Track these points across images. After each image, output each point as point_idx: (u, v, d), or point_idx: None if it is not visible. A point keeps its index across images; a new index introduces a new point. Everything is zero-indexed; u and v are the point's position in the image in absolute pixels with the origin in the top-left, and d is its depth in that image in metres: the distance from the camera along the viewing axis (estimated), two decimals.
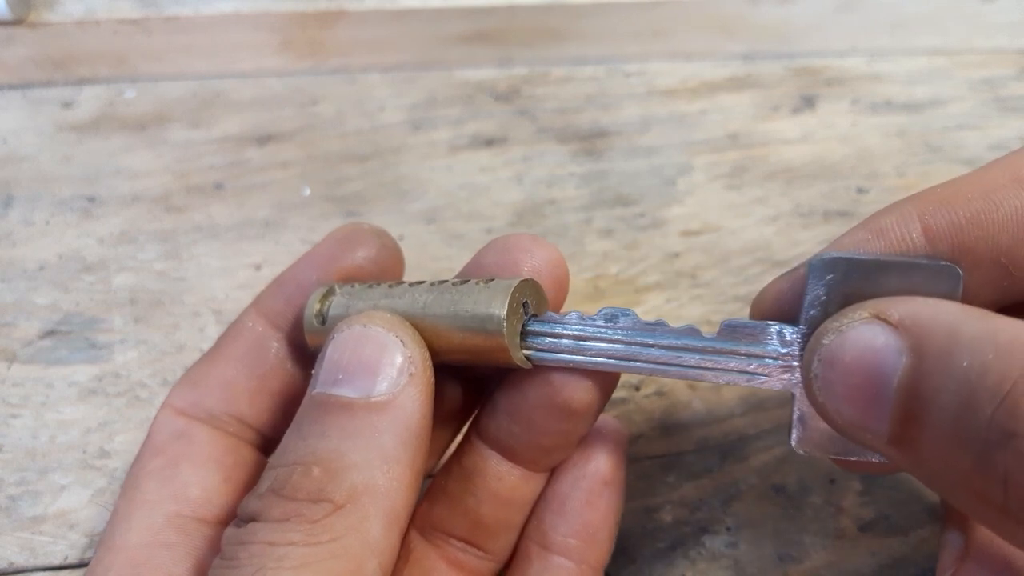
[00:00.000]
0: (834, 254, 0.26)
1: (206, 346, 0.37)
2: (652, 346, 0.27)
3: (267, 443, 0.32)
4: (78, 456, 0.39)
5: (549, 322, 0.28)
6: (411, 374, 0.26)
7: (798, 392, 0.27)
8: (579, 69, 0.59)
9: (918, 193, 0.27)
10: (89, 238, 0.47)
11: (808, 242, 0.47)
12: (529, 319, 0.28)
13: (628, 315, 0.27)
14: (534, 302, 0.28)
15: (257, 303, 0.32)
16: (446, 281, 0.28)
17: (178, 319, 0.44)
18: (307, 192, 0.50)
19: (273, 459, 0.26)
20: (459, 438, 0.32)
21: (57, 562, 0.36)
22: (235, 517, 0.26)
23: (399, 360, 0.26)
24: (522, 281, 0.27)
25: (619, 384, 0.40)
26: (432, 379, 0.27)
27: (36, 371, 0.42)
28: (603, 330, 0.27)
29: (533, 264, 0.29)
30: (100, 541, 0.29)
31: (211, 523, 0.29)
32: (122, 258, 0.47)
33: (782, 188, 0.50)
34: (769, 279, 0.30)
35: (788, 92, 0.57)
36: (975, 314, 0.21)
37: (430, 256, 0.47)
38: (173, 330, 0.43)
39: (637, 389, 0.41)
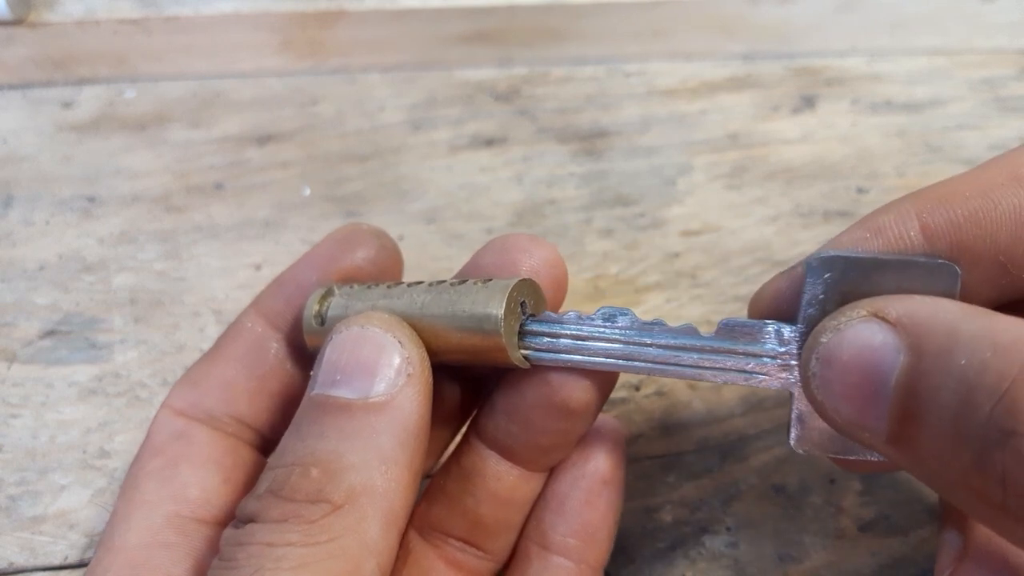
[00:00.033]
0: (832, 252, 0.26)
1: (206, 346, 0.37)
2: (650, 345, 0.27)
3: (266, 443, 0.32)
4: (78, 456, 0.39)
5: (547, 322, 0.28)
6: (409, 374, 0.26)
7: (796, 391, 0.27)
8: (579, 69, 0.59)
9: (916, 191, 0.27)
10: (89, 238, 0.47)
11: (808, 242, 0.47)
12: (527, 319, 0.28)
13: (626, 315, 0.27)
14: (532, 302, 0.28)
15: (256, 303, 0.32)
16: (444, 281, 0.28)
17: (178, 319, 0.44)
18: (307, 192, 0.50)
19: (272, 460, 0.26)
20: (458, 438, 0.32)
21: (57, 562, 0.36)
22: (234, 518, 0.26)
23: (397, 361, 0.26)
24: (520, 281, 0.27)
25: (619, 384, 0.40)
26: (430, 379, 0.27)
27: (36, 371, 0.42)
28: (601, 330, 0.27)
29: (531, 264, 0.29)
30: (99, 541, 0.29)
31: (210, 524, 0.29)
32: (122, 258, 0.47)
33: (782, 188, 0.50)
34: (769, 279, 0.30)
35: (788, 92, 0.57)
36: (973, 312, 0.21)
37: (430, 256, 0.47)
38: (173, 330, 0.43)
39: (637, 389, 0.41)
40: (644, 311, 0.44)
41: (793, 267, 0.29)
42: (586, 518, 0.31)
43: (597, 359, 0.27)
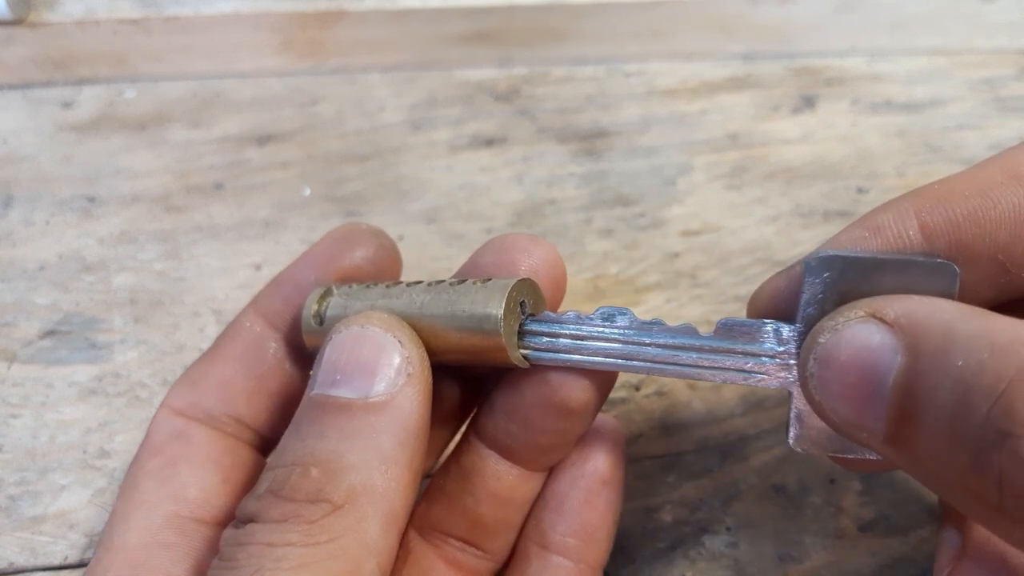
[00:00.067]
0: (830, 252, 0.26)
1: (206, 346, 0.37)
2: (649, 345, 0.27)
3: (265, 443, 0.32)
4: (78, 456, 0.39)
5: (546, 321, 0.28)
6: (409, 374, 0.26)
7: (795, 390, 0.27)
8: (579, 69, 0.59)
9: (915, 190, 0.27)
10: (89, 238, 0.47)
11: (808, 242, 0.47)
12: (526, 319, 0.28)
13: (625, 314, 0.27)
14: (531, 301, 0.28)
15: (255, 303, 0.32)
16: (443, 281, 0.28)
17: (178, 319, 0.44)
18: (307, 192, 0.50)
19: (271, 460, 0.26)
20: (457, 438, 0.32)
21: (57, 562, 0.36)
22: (233, 518, 0.26)
23: (397, 360, 0.26)
24: (519, 280, 0.27)
25: (619, 384, 0.40)
26: (430, 379, 0.27)
27: (36, 371, 0.42)
28: (600, 329, 0.27)
29: (530, 264, 0.29)
30: (99, 541, 0.29)
31: (210, 524, 0.29)
32: (122, 258, 0.47)
33: (782, 188, 0.50)
34: (767, 278, 0.30)
35: (788, 92, 0.57)
36: (971, 313, 0.21)
37: (430, 256, 0.47)
38: (173, 330, 0.44)
39: (637, 389, 0.41)
40: (644, 311, 0.44)
41: (792, 266, 0.29)
42: (585, 518, 0.31)
43: (596, 359, 0.27)
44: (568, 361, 0.28)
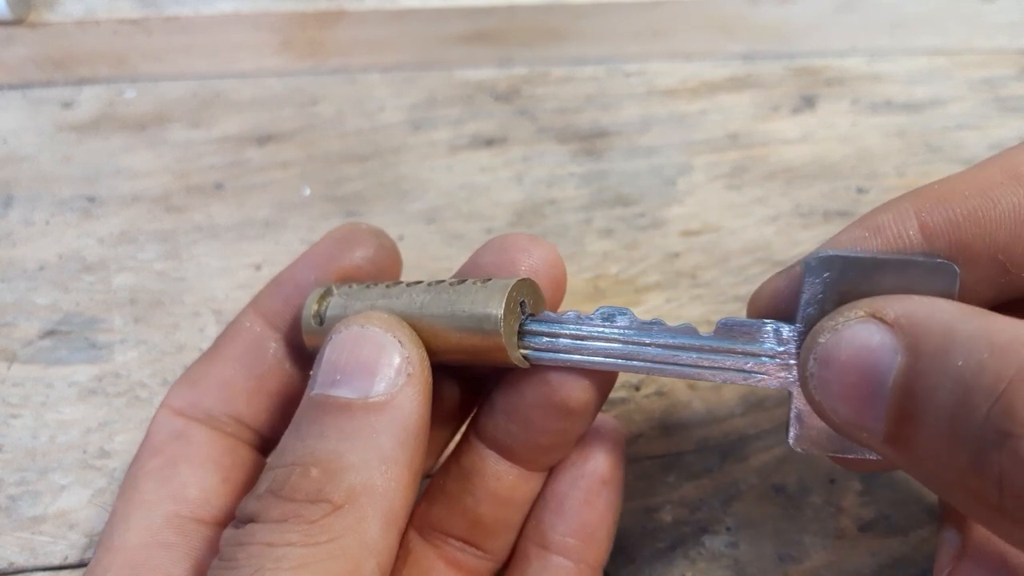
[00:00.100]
0: (830, 252, 0.26)
1: (206, 346, 0.37)
2: (649, 345, 0.27)
3: (265, 443, 0.32)
4: (78, 456, 0.39)
5: (546, 321, 0.28)
6: (409, 374, 0.26)
7: (795, 390, 0.27)
8: (579, 69, 0.59)
9: (915, 190, 0.27)
10: (89, 238, 0.47)
11: (808, 242, 0.47)
12: (526, 318, 0.28)
13: (625, 314, 0.27)
14: (531, 301, 0.28)
15: (255, 303, 0.32)
16: (443, 281, 0.28)
17: (178, 319, 0.44)
18: (307, 192, 0.50)
19: (271, 460, 0.26)
20: (457, 438, 0.32)
21: (57, 562, 0.36)
22: (233, 518, 0.26)
23: (397, 360, 0.26)
24: (519, 280, 0.27)
25: (619, 384, 0.41)
26: (430, 379, 0.27)
27: (36, 371, 0.42)
28: (600, 329, 0.27)
29: (530, 264, 0.29)
30: (99, 541, 0.29)
31: (209, 524, 0.29)
32: (122, 258, 0.47)
33: (782, 188, 0.50)
34: (767, 278, 0.30)
35: (788, 92, 0.57)
36: (971, 313, 0.21)
37: (430, 256, 0.47)
38: (173, 330, 0.44)
39: (637, 389, 0.41)
40: (644, 311, 0.44)
41: (792, 266, 0.29)
42: (585, 518, 0.31)
43: (596, 359, 0.27)
44: (568, 361, 0.28)
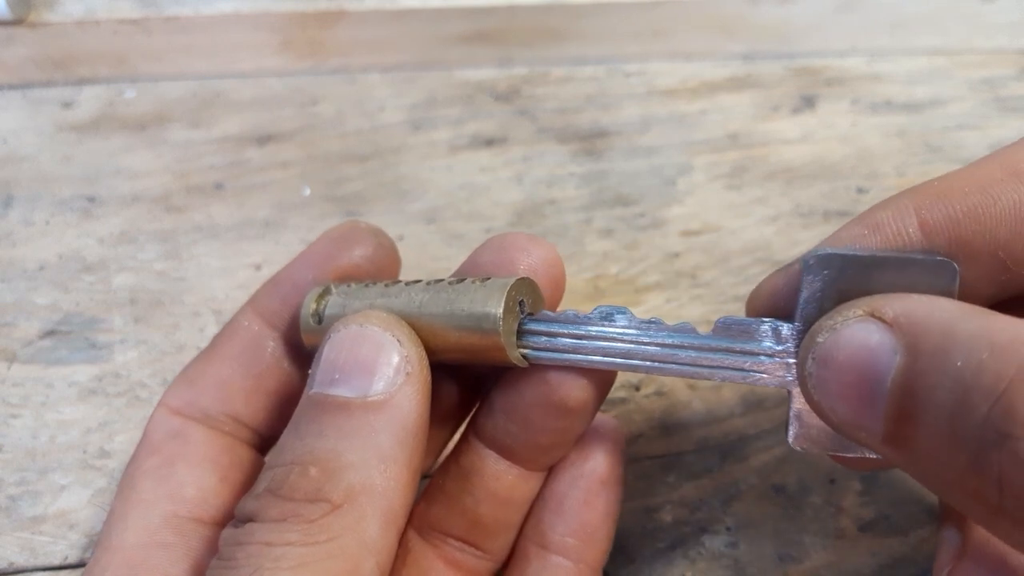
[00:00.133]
0: (829, 250, 0.26)
1: (205, 346, 0.37)
2: (648, 344, 0.27)
3: (263, 442, 0.32)
4: (78, 456, 0.39)
5: (545, 321, 0.28)
6: (408, 373, 0.26)
7: (795, 389, 0.26)
8: (579, 69, 0.59)
9: (914, 187, 0.27)
10: (89, 238, 0.47)
11: (808, 242, 0.47)
12: (525, 318, 0.28)
13: (624, 313, 0.27)
14: (530, 301, 0.28)
15: (253, 302, 0.32)
16: (442, 280, 0.28)
17: (178, 319, 0.44)
18: (307, 192, 0.50)
19: (270, 459, 0.26)
20: (456, 437, 0.32)
21: (57, 562, 0.36)
22: (232, 517, 0.26)
23: (395, 359, 0.26)
24: (518, 280, 0.27)
25: (619, 384, 0.40)
26: (429, 378, 0.27)
27: (36, 371, 0.42)
28: (599, 329, 0.27)
29: (529, 263, 0.29)
30: (97, 541, 0.29)
31: (208, 523, 0.29)
32: (122, 258, 0.47)
33: (782, 188, 0.50)
34: (766, 276, 0.30)
35: (788, 92, 0.57)
36: (971, 312, 0.21)
37: (430, 256, 0.47)
38: (173, 330, 0.44)
39: (637, 389, 0.41)
40: (644, 311, 0.44)
41: (790, 264, 0.29)
42: (585, 518, 0.31)
43: (595, 358, 0.27)
44: (567, 360, 0.27)
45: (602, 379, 0.28)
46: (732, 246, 0.47)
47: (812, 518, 0.37)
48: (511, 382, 0.29)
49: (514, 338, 0.27)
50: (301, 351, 0.32)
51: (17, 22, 0.60)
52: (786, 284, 0.28)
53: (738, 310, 0.44)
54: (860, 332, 0.23)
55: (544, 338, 0.28)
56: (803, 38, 0.61)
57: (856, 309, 0.23)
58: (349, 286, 0.30)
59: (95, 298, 0.45)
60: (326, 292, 0.30)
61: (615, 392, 0.40)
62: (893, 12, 0.63)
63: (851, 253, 0.26)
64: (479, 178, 0.51)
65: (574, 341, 0.27)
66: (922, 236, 0.26)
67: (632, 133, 0.54)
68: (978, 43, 0.61)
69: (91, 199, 0.49)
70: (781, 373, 0.26)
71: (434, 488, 0.31)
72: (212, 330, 0.43)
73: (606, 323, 0.27)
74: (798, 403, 0.27)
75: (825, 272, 0.26)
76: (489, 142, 0.53)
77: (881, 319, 0.23)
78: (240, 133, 0.53)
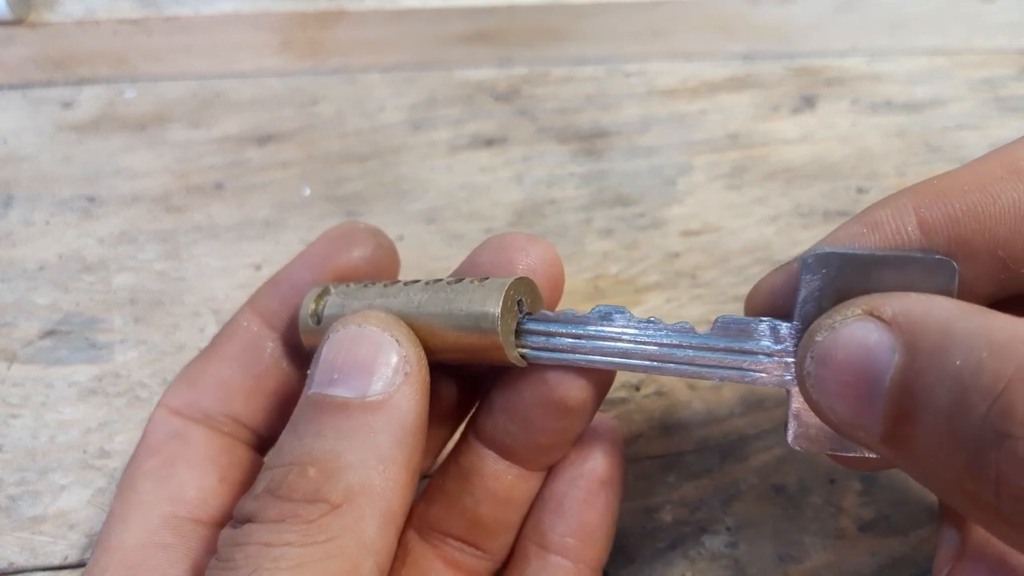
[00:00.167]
0: (827, 249, 0.26)
1: (205, 346, 0.37)
2: (646, 344, 0.27)
3: (262, 443, 0.32)
4: (78, 456, 0.39)
5: (544, 320, 0.28)
6: (406, 373, 0.26)
7: (794, 388, 0.26)
8: (579, 69, 0.59)
9: (914, 186, 0.27)
10: (89, 238, 0.48)
11: (808, 242, 0.47)
12: (524, 317, 0.28)
13: (622, 313, 0.27)
14: (529, 300, 0.28)
15: (252, 302, 0.32)
16: (441, 280, 0.28)
17: (178, 319, 0.44)
18: (307, 192, 0.50)
19: (269, 459, 0.26)
20: (455, 437, 0.32)
21: (57, 562, 0.36)
22: (231, 518, 0.26)
23: (394, 360, 0.26)
24: (517, 279, 0.27)
25: (619, 384, 0.40)
26: (427, 378, 0.27)
27: (36, 371, 0.42)
28: (597, 328, 0.27)
29: (528, 262, 0.29)
30: (96, 542, 0.29)
31: (207, 524, 0.29)
32: (122, 258, 0.47)
33: (782, 188, 0.50)
34: (765, 275, 0.30)
35: (788, 92, 0.57)
36: (970, 311, 0.21)
37: (430, 256, 0.47)
38: (173, 330, 0.44)
39: (637, 389, 0.41)
40: (644, 311, 0.44)
41: (789, 263, 0.29)
42: (584, 518, 0.31)
43: (594, 357, 0.27)
44: (566, 360, 0.27)
45: (601, 379, 0.28)
46: (732, 246, 0.47)
47: (812, 518, 0.37)
48: (510, 382, 0.29)
49: (513, 338, 0.27)
50: (300, 351, 0.32)
51: (17, 22, 0.60)
52: (785, 283, 0.28)
53: (738, 310, 0.44)
54: (859, 331, 0.23)
55: (543, 338, 0.28)
56: (803, 38, 0.61)
57: (855, 308, 0.23)
58: (348, 286, 0.30)
59: (95, 298, 0.45)
60: (325, 292, 0.30)
61: (615, 392, 0.40)
62: (893, 12, 0.63)
63: (850, 252, 0.26)
64: (479, 178, 0.51)
65: (573, 341, 0.27)
66: (921, 235, 0.26)
67: (632, 133, 0.54)
68: (978, 43, 0.61)
69: (91, 199, 0.49)
70: (780, 372, 0.26)
71: (433, 488, 0.31)
72: (212, 330, 0.43)
73: (605, 323, 0.27)
74: (797, 402, 0.27)
75: (824, 271, 0.26)
76: (489, 142, 0.53)
77: (880, 318, 0.22)
78: (240, 133, 0.53)
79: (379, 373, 0.26)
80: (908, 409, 0.21)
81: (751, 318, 0.26)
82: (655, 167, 0.52)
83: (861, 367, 0.22)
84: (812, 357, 0.24)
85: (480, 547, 0.31)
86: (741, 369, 0.27)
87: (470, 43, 0.60)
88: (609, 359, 0.27)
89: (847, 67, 0.59)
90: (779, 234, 0.48)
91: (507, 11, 0.62)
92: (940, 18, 0.63)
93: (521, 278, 0.28)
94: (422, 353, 0.27)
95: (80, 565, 0.36)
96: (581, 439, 0.31)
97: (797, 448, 0.27)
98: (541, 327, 0.28)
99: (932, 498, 0.37)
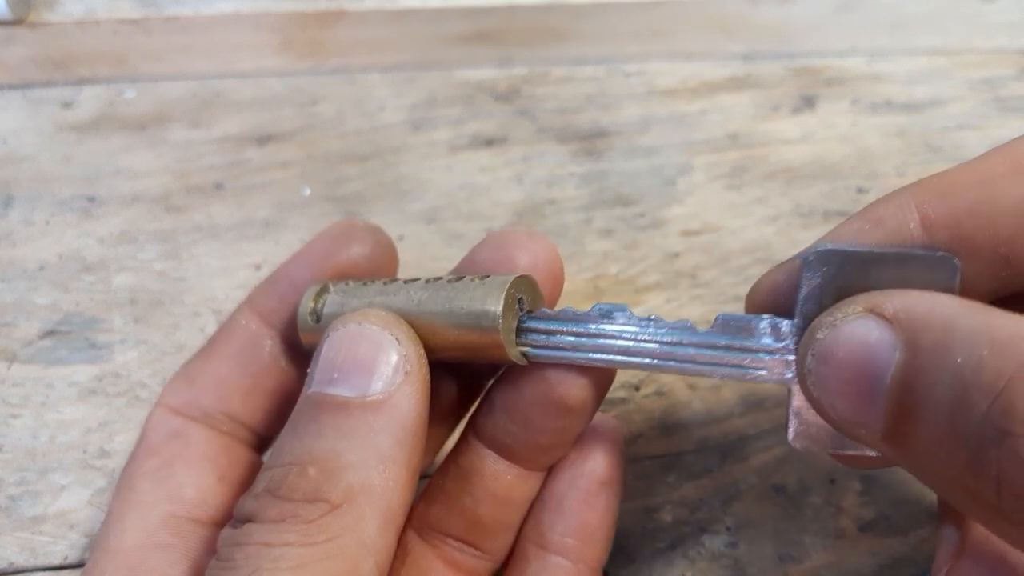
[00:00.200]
0: (829, 246, 0.26)
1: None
2: (647, 341, 0.27)
3: (261, 442, 0.32)
4: (78, 456, 0.39)
5: (544, 318, 0.28)
6: (407, 372, 0.26)
7: (794, 386, 0.26)
8: (579, 69, 0.59)
9: (916, 183, 0.27)
10: (89, 238, 0.47)
11: (808, 242, 0.46)
12: (524, 315, 0.28)
13: (622, 311, 0.27)
14: (529, 298, 0.28)
15: (250, 301, 0.32)
16: (441, 278, 0.28)
17: (178, 319, 0.44)
18: (307, 192, 0.50)
19: (269, 459, 0.26)
20: (455, 436, 0.32)
21: (57, 562, 0.36)
22: (231, 518, 0.26)
23: (394, 358, 0.26)
24: (517, 277, 0.27)
25: (618, 384, 0.40)
26: (428, 377, 0.27)
27: (36, 371, 0.42)
28: (598, 326, 0.27)
29: (528, 260, 0.29)
30: (95, 543, 0.29)
31: (206, 524, 0.29)
32: (122, 258, 0.47)
33: (782, 188, 0.50)
34: (765, 273, 0.30)
35: (788, 92, 0.57)
36: (971, 308, 0.21)
37: (430, 256, 0.47)
38: (173, 330, 0.43)
39: (637, 389, 0.41)
40: (644, 311, 0.44)
41: (790, 260, 0.28)
42: (584, 518, 0.31)
43: (594, 355, 0.27)
44: (566, 358, 0.27)
45: (601, 377, 0.28)
46: (732, 246, 0.47)
47: (812, 518, 0.37)
48: (510, 380, 0.29)
49: (513, 336, 0.27)
50: (299, 350, 0.31)
51: (17, 22, 0.60)
52: (786, 280, 0.28)
53: (738, 310, 0.43)
54: (860, 328, 0.23)
55: (544, 336, 0.27)
56: (803, 38, 0.61)
57: (856, 305, 0.23)
58: (347, 284, 0.30)
59: (95, 298, 0.45)
60: (324, 290, 0.30)
61: (615, 392, 0.40)
62: (893, 12, 0.63)
63: (851, 249, 0.26)
64: (479, 178, 0.51)
65: (573, 339, 0.27)
66: (923, 231, 0.26)
67: (632, 133, 0.54)
68: (978, 43, 0.61)
69: (91, 199, 0.49)
70: (780, 370, 0.26)
71: (433, 488, 0.31)
72: (212, 330, 0.43)
73: (605, 321, 0.27)
74: (798, 400, 0.26)
75: (825, 268, 0.26)
76: (489, 142, 0.53)
77: (881, 315, 0.22)
78: (240, 133, 0.53)
79: (379, 372, 0.26)
80: (909, 406, 0.21)
81: (752, 316, 0.26)
82: (655, 167, 0.52)
83: (862, 364, 0.22)
84: (813, 354, 0.24)
85: (480, 547, 0.31)
86: (742, 367, 0.26)
87: (470, 43, 0.60)
88: (610, 357, 0.27)
89: (847, 67, 0.59)
90: (779, 234, 0.48)
91: (507, 11, 0.62)
92: (940, 18, 0.63)
93: (522, 276, 0.28)
94: (422, 352, 0.27)
95: (80, 565, 0.36)
96: (581, 439, 0.31)
97: (798, 446, 0.27)
98: (542, 325, 0.28)
99: (932, 498, 0.37)
